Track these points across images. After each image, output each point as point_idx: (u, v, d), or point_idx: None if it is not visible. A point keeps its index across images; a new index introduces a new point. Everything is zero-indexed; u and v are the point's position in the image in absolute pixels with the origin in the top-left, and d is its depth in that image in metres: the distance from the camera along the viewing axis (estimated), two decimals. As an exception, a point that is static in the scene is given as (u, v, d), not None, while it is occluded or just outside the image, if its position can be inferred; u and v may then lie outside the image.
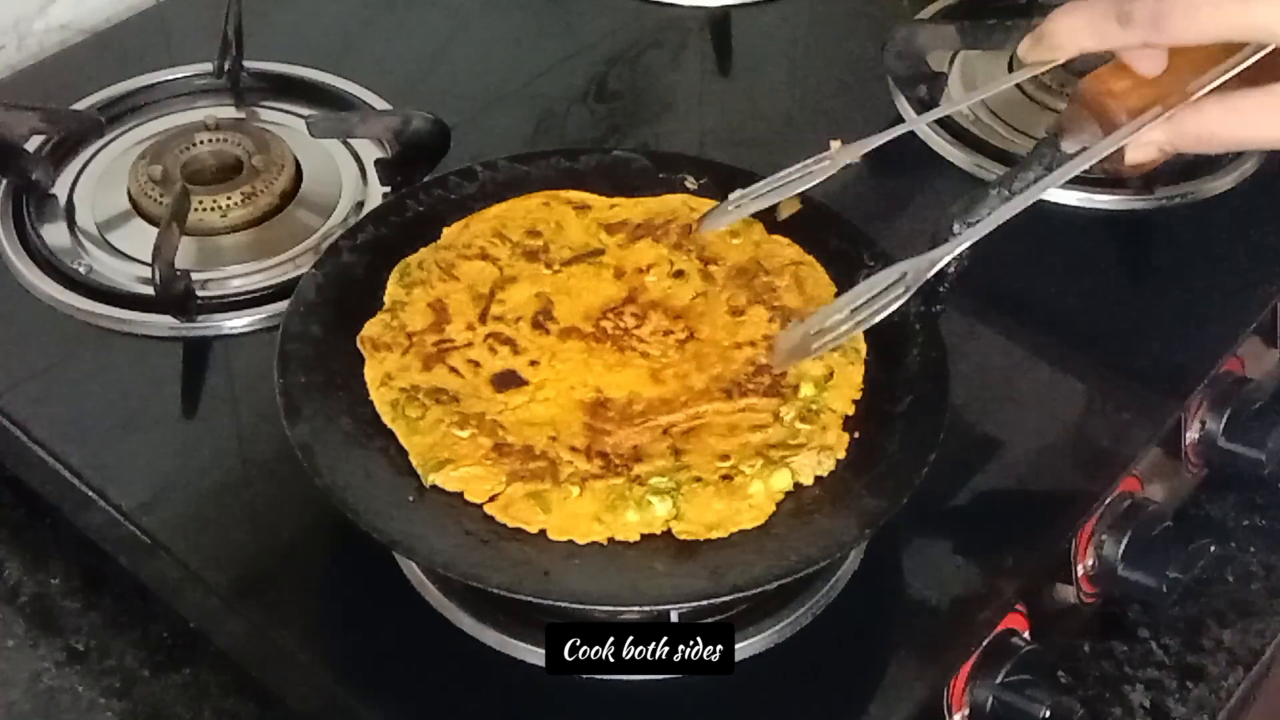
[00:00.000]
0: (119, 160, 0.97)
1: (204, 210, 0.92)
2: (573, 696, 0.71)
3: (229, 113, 1.01)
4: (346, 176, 0.96)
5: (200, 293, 0.87)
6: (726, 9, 1.13)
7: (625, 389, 0.76)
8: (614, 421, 0.74)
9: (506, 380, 0.76)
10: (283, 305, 0.78)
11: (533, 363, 0.77)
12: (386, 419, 0.73)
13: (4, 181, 0.94)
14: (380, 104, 1.01)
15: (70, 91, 1.01)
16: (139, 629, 0.81)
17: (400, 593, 0.73)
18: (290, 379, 0.73)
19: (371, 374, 0.76)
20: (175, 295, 0.85)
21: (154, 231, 0.86)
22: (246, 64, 1.03)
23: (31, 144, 0.96)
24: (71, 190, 0.95)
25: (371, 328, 0.78)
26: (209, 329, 0.86)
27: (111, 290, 0.88)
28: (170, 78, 1.03)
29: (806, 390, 0.75)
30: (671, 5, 1.13)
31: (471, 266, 0.81)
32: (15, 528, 0.85)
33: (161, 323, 0.86)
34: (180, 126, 0.98)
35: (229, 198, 0.92)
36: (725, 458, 0.72)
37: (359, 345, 0.77)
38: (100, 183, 0.96)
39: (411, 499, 0.70)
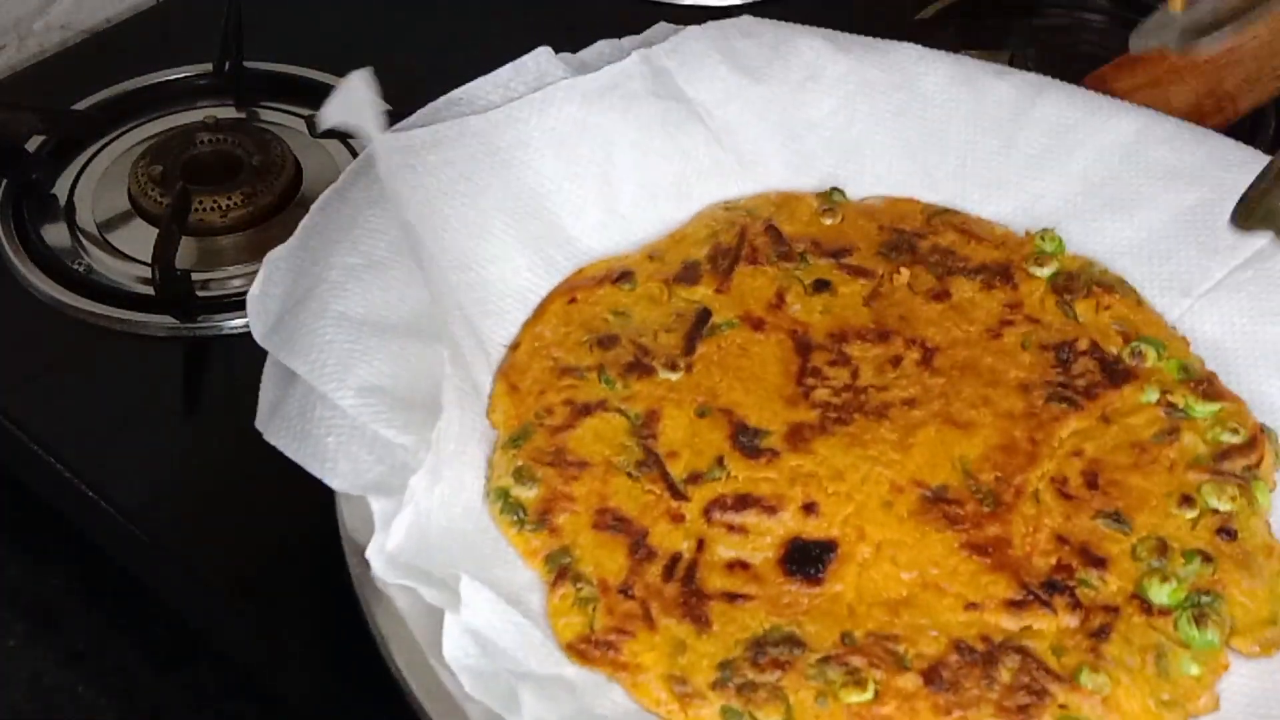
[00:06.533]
0: (119, 160, 0.97)
1: (204, 210, 0.92)
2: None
3: (229, 113, 1.01)
4: (347, 176, 0.96)
5: (200, 293, 0.87)
6: (726, 9, 1.13)
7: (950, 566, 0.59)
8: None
9: (804, 558, 0.56)
10: (283, 305, 0.78)
11: (811, 508, 0.57)
12: None
13: (4, 181, 0.94)
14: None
15: (70, 91, 1.01)
16: (139, 629, 0.81)
17: (400, 593, 0.73)
18: (290, 379, 0.72)
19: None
20: (175, 295, 0.85)
21: (154, 231, 0.86)
22: (246, 64, 1.03)
23: (31, 144, 0.96)
24: (71, 190, 0.95)
25: (558, 610, 0.61)
26: (209, 329, 0.86)
27: (111, 290, 0.88)
28: (170, 78, 1.03)
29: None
30: (671, 5, 1.13)
31: (580, 435, 0.62)
32: (15, 528, 0.85)
33: (161, 323, 0.86)
34: (180, 126, 0.98)
35: (229, 198, 0.92)
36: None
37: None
38: (100, 183, 0.96)
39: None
